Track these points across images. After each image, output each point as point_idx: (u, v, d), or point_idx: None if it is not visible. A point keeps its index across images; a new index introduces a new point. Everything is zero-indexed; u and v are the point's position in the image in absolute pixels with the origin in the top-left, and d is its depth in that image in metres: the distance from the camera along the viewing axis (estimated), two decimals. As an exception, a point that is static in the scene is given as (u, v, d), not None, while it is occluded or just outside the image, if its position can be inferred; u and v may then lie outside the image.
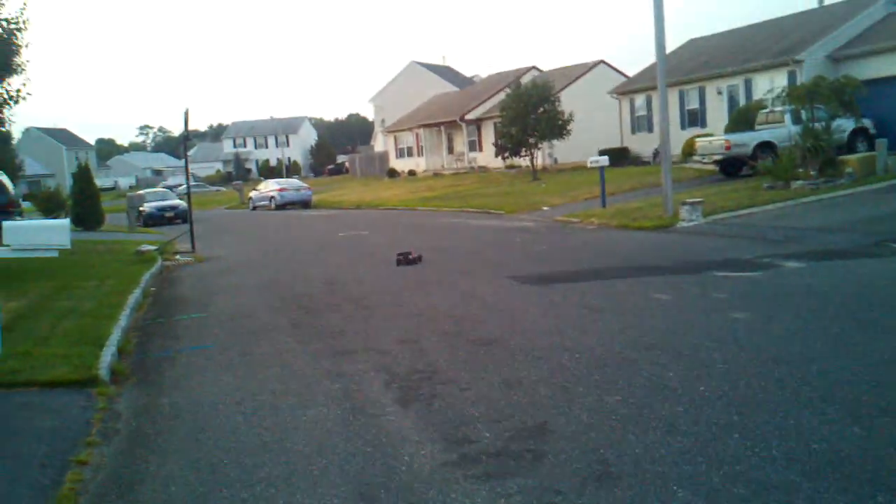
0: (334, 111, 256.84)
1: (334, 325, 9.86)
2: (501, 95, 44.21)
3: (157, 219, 36.53)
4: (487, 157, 50.76)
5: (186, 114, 21.08)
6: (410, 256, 14.92)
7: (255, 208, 45.12)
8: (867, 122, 25.70)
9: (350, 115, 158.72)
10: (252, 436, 5.96)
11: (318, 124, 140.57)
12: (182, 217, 33.89)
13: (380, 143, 77.14)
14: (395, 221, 27.46)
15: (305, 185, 48.11)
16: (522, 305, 10.22)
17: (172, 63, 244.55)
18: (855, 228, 14.38)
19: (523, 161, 42.32)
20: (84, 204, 31.59)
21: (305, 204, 43.07)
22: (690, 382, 6.34)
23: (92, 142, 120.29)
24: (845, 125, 24.35)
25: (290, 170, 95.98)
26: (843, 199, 18.63)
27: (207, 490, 5.01)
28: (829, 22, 32.53)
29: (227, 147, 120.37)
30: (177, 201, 39.07)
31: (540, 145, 41.17)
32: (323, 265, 16.31)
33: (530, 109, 39.17)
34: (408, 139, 64.03)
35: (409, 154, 63.62)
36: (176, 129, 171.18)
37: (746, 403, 5.76)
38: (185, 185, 28.47)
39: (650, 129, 37.71)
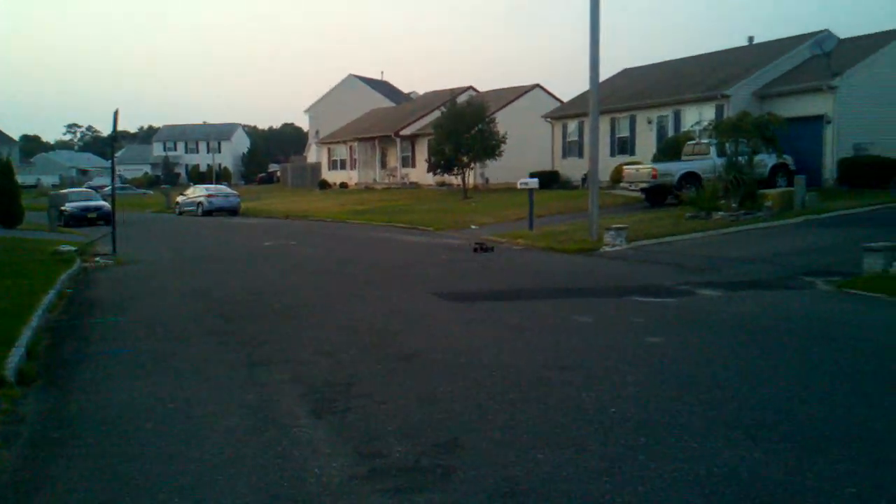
0: (269, 120, 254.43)
1: (254, 335, 9.76)
2: (437, 113, 44.46)
3: (80, 219, 35.69)
4: (420, 173, 50.90)
5: (116, 114, 20.68)
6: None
7: (181, 213, 44.48)
8: (787, 159, 26.56)
9: (284, 125, 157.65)
10: (161, 444, 5.86)
11: (252, 132, 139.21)
12: (105, 218, 33.15)
13: (313, 154, 76.77)
14: (323, 233, 27.33)
15: (234, 192, 47.61)
16: (444, 322, 10.27)
17: (104, 61, 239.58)
18: (770, 260, 14.81)
19: (455, 179, 42.56)
20: (1, 200, 30.64)
21: (233, 211, 42.61)
22: (602, 403, 6.45)
23: (16, 137, 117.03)
24: (767, 160, 25.12)
25: (221, 176, 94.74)
26: (761, 232, 19.18)
27: (110, 498, 4.91)
28: (756, 60, 33.56)
29: (157, 150, 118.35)
30: (101, 202, 38.22)
31: (472, 164, 41.48)
32: (247, 274, 16.14)
33: (465, 129, 39.46)
34: (341, 151, 63.84)
35: (342, 167, 63.42)
36: (105, 129, 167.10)
37: (655, 426, 5.88)
38: (110, 187, 27.86)
39: (581, 155, 38.32)
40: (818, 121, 28.78)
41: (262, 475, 5.18)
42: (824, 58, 29.36)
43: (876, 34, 31.70)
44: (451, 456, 5.39)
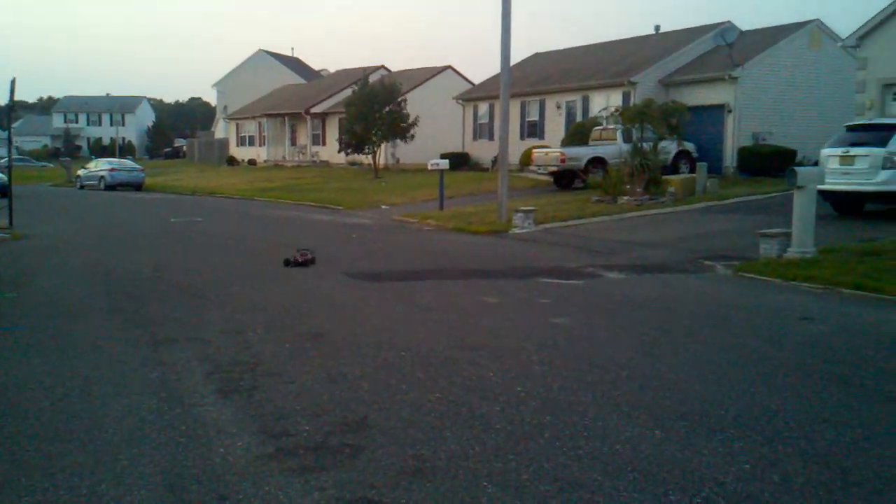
0: (175, 93, 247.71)
1: (158, 313, 9.55)
2: (348, 92, 44.11)
3: (-28, 192, 34.15)
4: (330, 151, 50.45)
5: (13, 83, 19.89)
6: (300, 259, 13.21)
7: (83, 187, 43.12)
8: (690, 146, 27.30)
9: (192, 99, 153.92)
10: (58, 422, 5.69)
11: (158, 106, 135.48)
12: (1, 191, 31.86)
13: (221, 129, 75.25)
14: (230, 210, 26.86)
15: (139, 166, 46.36)
16: (353, 301, 10.24)
17: (0, 27, 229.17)
18: (673, 245, 15.22)
19: (366, 158, 42.35)
20: None
21: (137, 186, 41.54)
22: (509, 383, 6.54)
23: None
24: (670, 147, 25.76)
25: (124, 150, 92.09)
26: (664, 217, 19.67)
27: (6, 479, 4.75)
28: (662, 49, 34.30)
29: (58, 122, 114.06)
30: (-4, 174, 36.65)
31: (383, 144, 41.32)
32: (151, 250, 15.76)
33: (376, 108, 39.26)
34: (250, 128, 62.75)
35: (251, 143, 62.36)
36: (1, 99, 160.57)
37: (559, 405, 5.99)
38: (6, 158, 26.81)
39: (491, 137, 38.56)
40: (720, 109, 29.63)
41: (165, 455, 5.09)
42: (727, 48, 30.23)
43: (776, 27, 32.77)
44: (359, 435, 5.39)
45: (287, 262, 13.05)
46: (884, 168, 15.67)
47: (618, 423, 5.58)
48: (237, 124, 64.90)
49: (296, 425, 5.58)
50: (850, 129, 17.36)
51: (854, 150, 16.29)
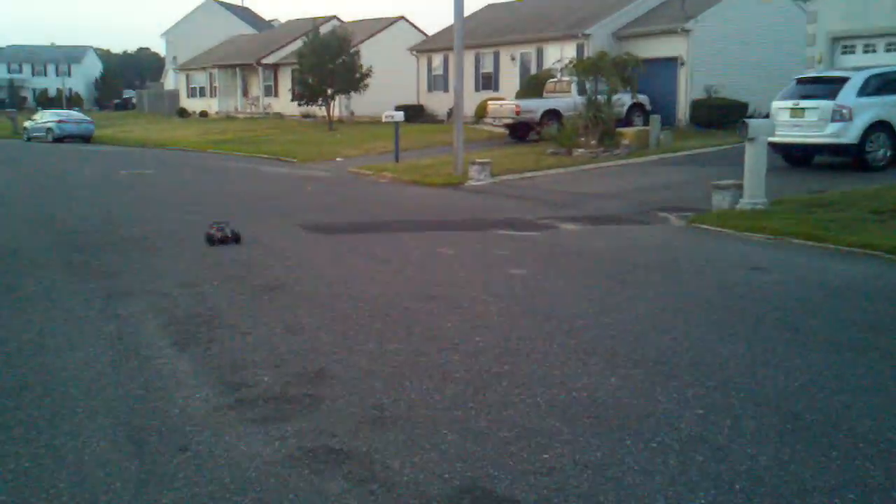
0: (123, 43, 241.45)
1: (111, 265, 9.43)
2: (300, 42, 43.36)
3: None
4: (283, 103, 49.77)
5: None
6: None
7: (30, 139, 42.12)
8: (644, 99, 27.41)
9: (140, 49, 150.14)
10: (13, 376, 5.63)
11: (106, 56, 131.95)
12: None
13: (171, 80, 73.72)
14: (182, 162, 26.46)
15: (88, 118, 45.34)
16: (309, 253, 10.21)
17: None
18: (627, 197, 15.35)
19: (320, 110, 41.86)
20: None
21: (86, 138, 40.69)
22: (467, 333, 6.59)
23: None
24: (624, 99, 25.84)
25: (72, 101, 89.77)
26: (618, 169, 19.81)
27: (-41, 433, 4.70)
28: (616, 1, 34.18)
29: (1, 72, 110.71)
30: (-64, 126, 35.69)
31: (337, 96, 40.85)
32: (102, 203, 15.49)
33: (329, 59, 38.72)
34: (201, 79, 61.57)
35: (202, 94, 61.25)
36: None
37: (517, 354, 6.06)
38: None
39: (446, 89, 38.30)
40: (673, 62, 29.73)
41: (123, 407, 5.07)
42: (679, 1, 30.26)
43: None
44: (318, 385, 5.41)
45: (210, 240, 10.72)
46: (832, 120, 15.90)
47: (574, 371, 5.66)
48: (188, 75, 63.65)
49: (254, 376, 5.58)
50: (801, 81, 17.55)
51: (804, 103, 16.49)
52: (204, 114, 58.03)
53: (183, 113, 59.40)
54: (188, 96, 63.09)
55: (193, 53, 64.92)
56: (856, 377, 5.54)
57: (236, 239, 10.72)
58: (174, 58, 71.66)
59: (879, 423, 4.74)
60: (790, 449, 4.41)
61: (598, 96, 23.23)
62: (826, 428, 4.70)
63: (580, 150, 22.04)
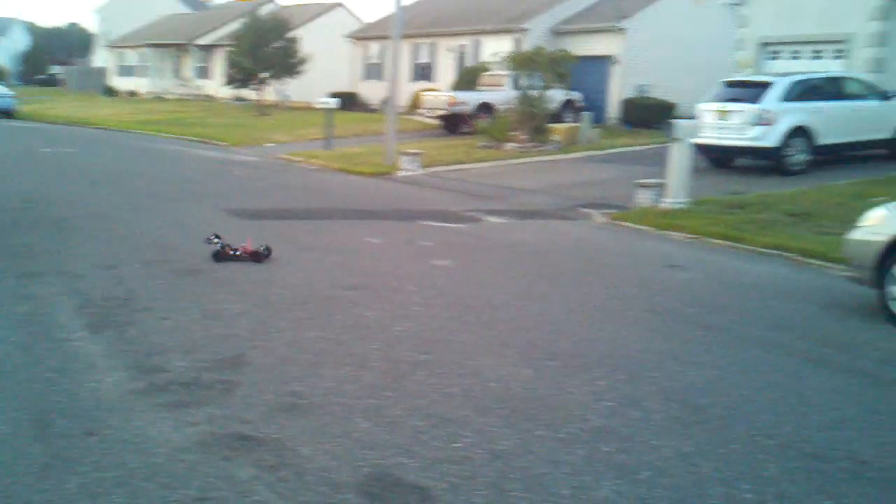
0: (52, 17, 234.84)
1: (25, 245, 9.20)
2: (236, 24, 42.69)
3: None
4: (216, 86, 48.93)
5: None
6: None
7: (-54, 113, 40.66)
8: (576, 95, 27.71)
9: (70, 24, 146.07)
10: (-84, 356, 5.48)
11: (33, 29, 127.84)
12: None
13: (101, 58, 71.83)
14: (109, 142, 25.87)
15: (10, 91, 43.92)
16: (233, 238, 10.08)
17: None
18: (554, 192, 15.52)
19: (253, 94, 41.31)
20: None
21: (7, 112, 39.41)
22: (387, 322, 6.63)
23: None
24: (558, 95, 26.05)
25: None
26: (547, 164, 20.00)
27: None
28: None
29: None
30: None
31: (272, 81, 40.36)
32: (20, 180, 15.07)
33: (265, 43, 38.22)
34: (132, 57, 60.14)
35: (132, 73, 59.81)
36: None
37: (435, 344, 6.12)
38: None
39: (381, 78, 38.11)
40: (606, 61, 30.09)
41: (32, 389, 4.98)
42: (616, 0, 30.64)
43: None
44: (234, 371, 5.39)
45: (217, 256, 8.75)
46: (756, 124, 16.29)
47: (491, 363, 5.75)
48: (118, 53, 62.13)
49: (169, 361, 5.53)
50: (728, 84, 17.95)
51: (729, 106, 16.86)
52: (133, 93, 56.75)
53: (111, 92, 58.00)
54: (118, 75, 61.57)
55: (125, 30, 63.39)
56: (759, 373, 5.74)
57: (263, 256, 8.77)
58: (106, 34, 69.87)
59: (777, 418, 4.93)
60: (693, 441, 4.56)
61: (532, 91, 23.39)
62: (728, 421, 4.86)
63: (511, 145, 22.19)
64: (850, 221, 8.30)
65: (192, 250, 9.23)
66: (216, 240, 8.87)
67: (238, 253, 8.71)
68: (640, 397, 5.18)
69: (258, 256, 8.68)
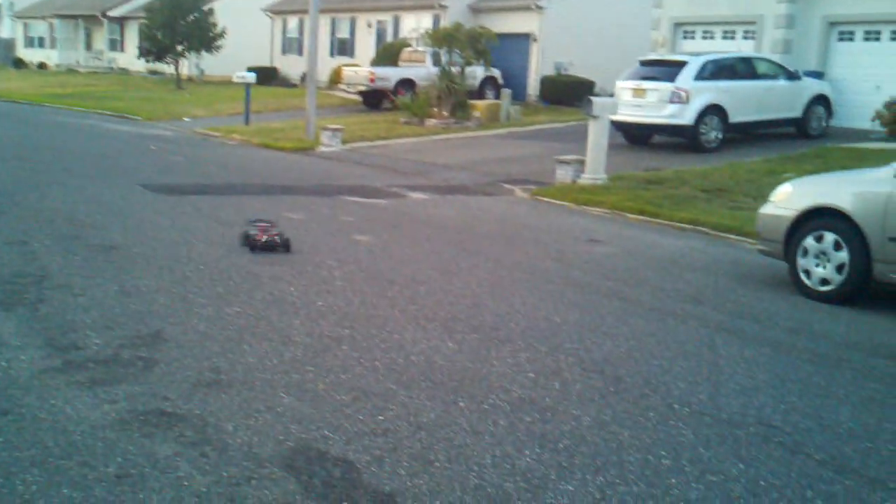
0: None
1: (-70, 222, 8.86)
2: (150, -5, 41.53)
3: None
4: (130, 59, 47.59)
5: None
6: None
7: None
8: (497, 72, 27.86)
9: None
10: None
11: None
12: None
13: (6, 28, 69.08)
14: (17, 116, 24.97)
15: None
16: (150, 214, 9.89)
17: None
18: (475, 168, 15.62)
19: (169, 68, 40.34)
20: None
21: None
22: (309, 297, 6.60)
23: None
24: (478, 72, 26.17)
25: None
26: (468, 141, 20.09)
27: None
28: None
29: None
30: None
31: (187, 54, 39.46)
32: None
33: (180, 15, 37.31)
34: (40, 28, 58.03)
35: (41, 45, 57.76)
36: None
37: (358, 318, 6.13)
38: None
39: (300, 53, 37.65)
40: (526, 38, 30.26)
41: (-61, 369, 4.82)
42: (536, -22, 30.78)
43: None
44: (153, 348, 5.30)
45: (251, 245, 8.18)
46: (671, 102, 16.65)
47: (413, 336, 5.78)
48: (25, 23, 59.87)
49: (85, 339, 5.41)
50: (644, 63, 18.28)
51: (645, 84, 17.18)
52: (43, 66, 54.81)
53: (19, 63, 55.90)
54: (25, 46, 59.36)
55: (33, 0, 61.10)
56: (675, 344, 5.91)
57: (286, 246, 8.23)
58: (11, 3, 67.15)
59: (692, 387, 5.09)
60: (611, 410, 4.68)
61: (453, 68, 23.43)
62: (645, 391, 5.00)
63: (432, 121, 22.21)
64: (762, 197, 8.59)
65: (107, 226, 9.01)
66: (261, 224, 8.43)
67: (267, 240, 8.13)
68: (559, 368, 5.29)
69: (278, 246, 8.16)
